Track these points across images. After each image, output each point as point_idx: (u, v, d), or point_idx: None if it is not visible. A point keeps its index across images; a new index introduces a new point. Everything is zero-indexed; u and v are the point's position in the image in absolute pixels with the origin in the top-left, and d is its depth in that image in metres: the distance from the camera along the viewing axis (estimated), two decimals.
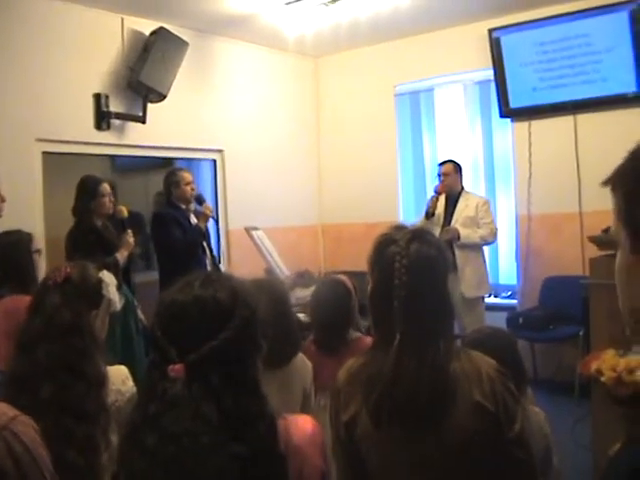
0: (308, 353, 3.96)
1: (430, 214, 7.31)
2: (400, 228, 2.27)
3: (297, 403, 3.59)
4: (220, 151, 8.41)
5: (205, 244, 6.71)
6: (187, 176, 6.74)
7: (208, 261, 6.69)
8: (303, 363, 3.68)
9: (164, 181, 6.80)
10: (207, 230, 6.83)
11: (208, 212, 6.66)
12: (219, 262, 7.09)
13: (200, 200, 6.77)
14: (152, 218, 6.85)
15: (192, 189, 6.71)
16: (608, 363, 4.43)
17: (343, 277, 4.15)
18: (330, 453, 2.20)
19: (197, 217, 6.68)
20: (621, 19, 7.07)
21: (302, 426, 1.86)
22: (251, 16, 7.52)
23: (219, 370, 1.68)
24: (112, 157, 7.59)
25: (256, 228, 7.25)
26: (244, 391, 1.71)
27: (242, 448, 1.63)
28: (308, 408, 3.63)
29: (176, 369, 1.65)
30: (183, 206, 6.71)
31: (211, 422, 1.62)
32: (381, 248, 2.24)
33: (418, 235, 2.23)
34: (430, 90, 8.95)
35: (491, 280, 7.72)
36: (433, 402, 2.10)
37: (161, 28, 7.15)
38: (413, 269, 2.14)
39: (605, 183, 1.18)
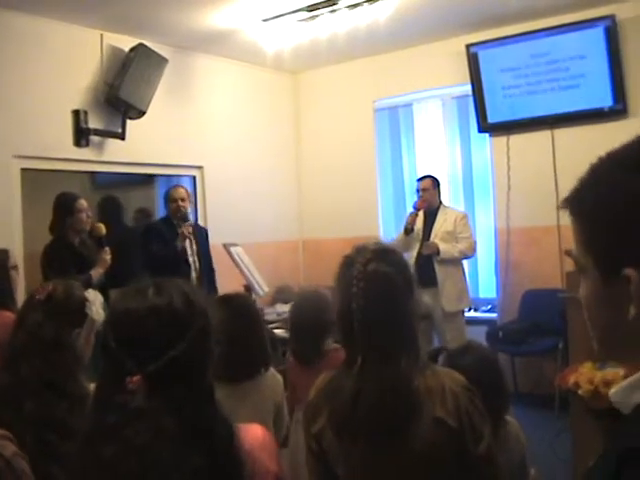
0: (288, 366, 3.99)
1: (409, 230, 7.32)
2: (362, 249, 2.29)
3: (269, 417, 3.61)
4: (199, 167, 8.39)
5: (192, 260, 6.78)
6: (176, 193, 6.91)
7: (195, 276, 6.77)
8: (274, 377, 3.70)
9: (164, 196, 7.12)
10: (197, 247, 6.91)
11: (184, 232, 6.70)
12: (212, 280, 7.07)
13: (184, 219, 6.82)
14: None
15: (179, 206, 6.82)
16: (585, 376, 4.45)
17: (322, 289, 4.16)
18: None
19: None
20: (597, 35, 7.15)
21: (253, 432, 1.85)
22: (230, 32, 7.54)
23: (179, 381, 1.64)
24: (92, 174, 7.56)
25: (235, 244, 7.24)
26: (203, 401, 1.69)
27: (203, 460, 1.60)
28: (280, 421, 3.66)
29: (135, 381, 1.60)
30: (175, 222, 6.84)
31: (173, 436, 1.58)
32: (342, 270, 2.28)
33: (378, 255, 2.25)
34: (409, 105, 8.99)
35: (471, 294, 7.73)
36: (395, 419, 2.13)
37: (140, 44, 7.15)
38: (370, 292, 2.17)
39: (562, 205, 1.15)
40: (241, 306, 3.71)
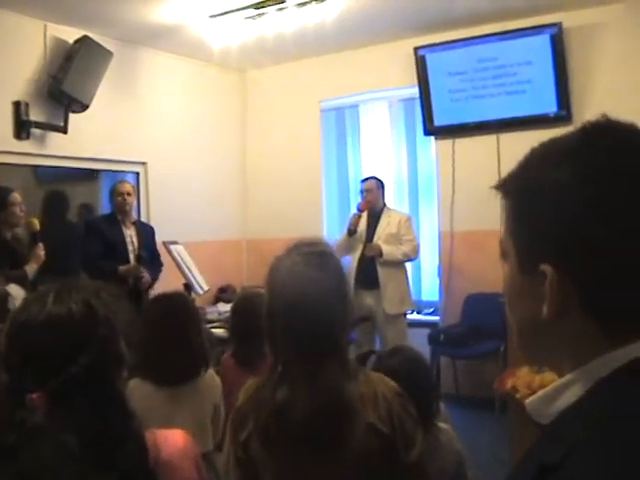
0: (226, 367, 3.93)
1: (352, 231, 7.30)
2: (292, 250, 2.23)
3: (207, 419, 3.58)
4: (143, 164, 8.29)
5: (133, 257, 6.72)
6: (122, 187, 6.89)
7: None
8: (212, 379, 3.68)
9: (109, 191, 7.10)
10: (138, 245, 6.83)
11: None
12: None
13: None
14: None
15: (125, 200, 6.79)
16: (523, 380, 4.48)
17: (263, 290, 4.12)
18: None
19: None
20: (544, 42, 7.21)
21: (172, 440, 1.79)
22: (176, 27, 7.45)
23: (82, 395, 1.56)
24: (34, 167, 7.42)
25: (175, 242, 7.18)
26: (110, 412, 1.60)
27: (109, 475, 1.52)
28: (218, 424, 3.61)
29: (35, 398, 1.52)
30: (119, 217, 6.81)
31: (73, 453, 1.49)
32: (270, 272, 2.22)
33: (307, 258, 2.19)
34: (355, 107, 8.99)
35: (414, 297, 7.73)
36: (325, 427, 2.08)
37: (85, 37, 7.02)
38: (296, 296, 2.12)
39: (496, 187, 1.12)
40: (177, 305, 3.66)
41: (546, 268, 0.99)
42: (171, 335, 3.46)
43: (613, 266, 0.97)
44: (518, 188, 1.08)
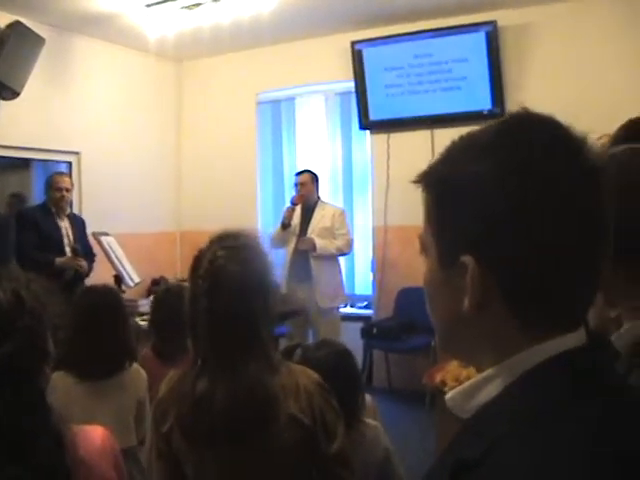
0: (146, 361, 3.89)
1: (286, 225, 7.29)
2: (214, 243, 2.21)
3: (130, 414, 3.54)
4: (76, 153, 8.15)
5: (70, 249, 6.67)
6: (62, 181, 6.83)
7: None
8: (137, 373, 3.63)
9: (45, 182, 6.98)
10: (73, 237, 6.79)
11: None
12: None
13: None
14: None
15: (64, 196, 6.76)
16: (451, 374, 4.52)
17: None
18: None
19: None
20: (479, 39, 7.29)
21: (90, 437, 1.75)
22: (112, 15, 7.35)
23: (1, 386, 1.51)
24: None
25: (106, 234, 7.09)
26: (26, 406, 1.55)
27: (19, 469, 1.47)
28: (142, 418, 3.57)
29: None
30: (53, 209, 6.75)
31: None
32: (192, 266, 2.20)
33: (228, 252, 2.17)
34: (292, 99, 8.98)
35: (347, 290, 7.77)
36: (250, 421, 2.07)
37: (17, 22, 6.85)
38: (215, 291, 2.10)
39: (417, 180, 1.09)
40: (103, 299, 3.61)
41: (467, 260, 0.98)
42: (95, 329, 3.42)
43: (531, 260, 0.97)
44: (438, 181, 1.06)
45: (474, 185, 1.00)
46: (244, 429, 2.07)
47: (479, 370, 1.06)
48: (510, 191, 0.97)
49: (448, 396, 1.09)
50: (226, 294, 2.11)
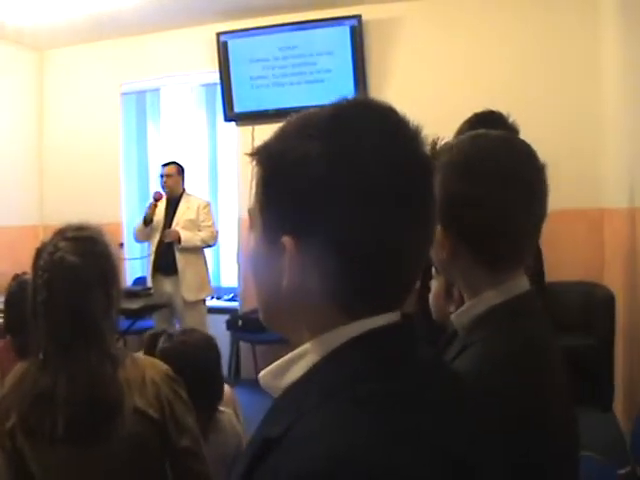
0: (1, 359, 3.78)
1: (148, 220, 7.22)
2: (56, 235, 2.17)
3: None
4: None
5: None
6: None
7: None
8: None
9: None
10: None
11: None
12: None
13: None
14: None
15: None
16: None
17: None
18: None
19: None
20: (344, 33, 7.37)
21: None
22: None
23: None
24: None
25: None
26: None
27: None
28: None
29: None
30: None
31: None
32: (35, 258, 2.16)
33: (68, 244, 2.13)
34: (157, 90, 8.87)
35: (213, 283, 7.74)
36: (93, 417, 2.04)
37: None
38: (53, 284, 2.07)
39: (249, 154, 1.09)
40: None
41: (286, 241, 0.99)
42: None
43: (348, 245, 0.98)
44: (269, 157, 1.06)
45: (298, 167, 1.00)
46: (86, 425, 2.03)
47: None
48: (330, 175, 0.97)
49: (261, 375, 1.09)
50: (64, 286, 2.07)
